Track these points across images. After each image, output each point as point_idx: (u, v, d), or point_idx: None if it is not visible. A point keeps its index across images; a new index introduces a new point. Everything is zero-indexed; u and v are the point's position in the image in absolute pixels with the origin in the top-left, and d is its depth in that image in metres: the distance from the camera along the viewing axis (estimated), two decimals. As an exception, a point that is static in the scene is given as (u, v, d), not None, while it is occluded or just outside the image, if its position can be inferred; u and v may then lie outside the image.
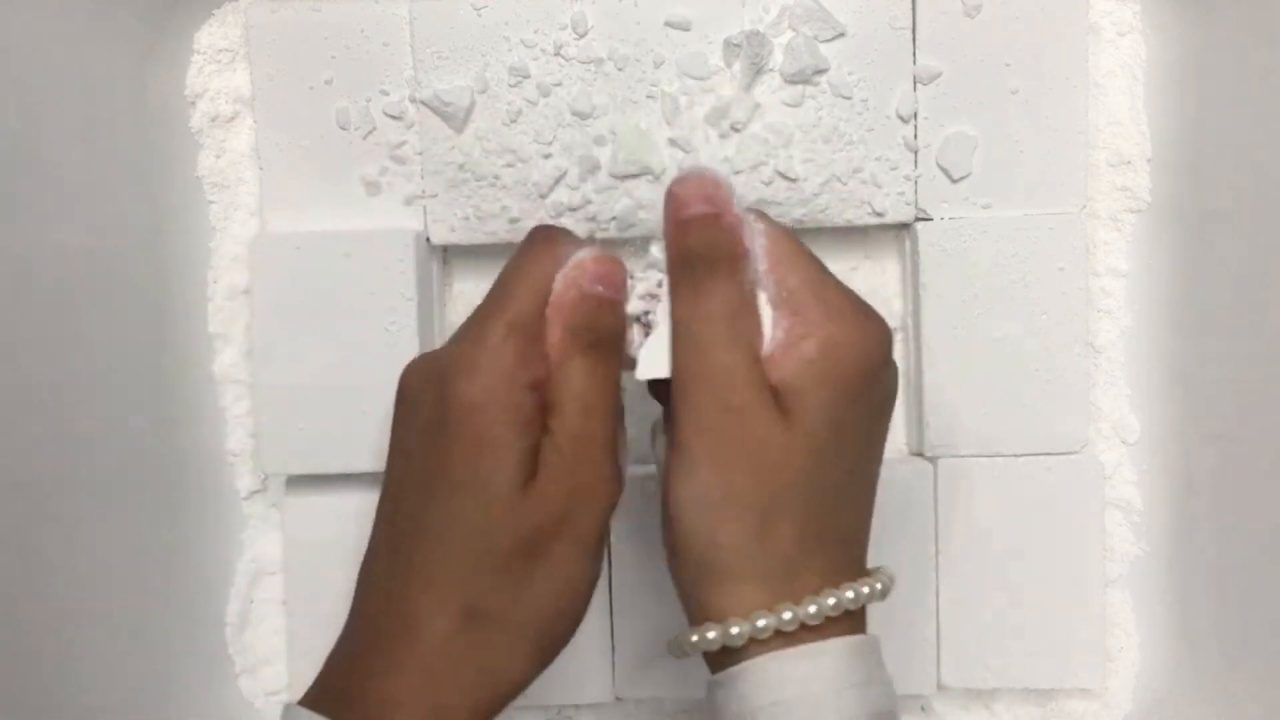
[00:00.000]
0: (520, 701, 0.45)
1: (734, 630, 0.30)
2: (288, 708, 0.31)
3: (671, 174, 0.43)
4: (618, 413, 0.33)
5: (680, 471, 0.31)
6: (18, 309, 0.38)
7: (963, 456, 0.44)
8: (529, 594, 0.31)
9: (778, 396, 0.31)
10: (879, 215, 0.43)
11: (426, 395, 0.32)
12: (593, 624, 0.45)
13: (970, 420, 0.44)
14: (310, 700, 0.31)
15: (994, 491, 0.44)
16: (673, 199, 0.32)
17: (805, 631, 0.30)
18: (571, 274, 0.32)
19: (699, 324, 0.31)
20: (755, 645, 0.30)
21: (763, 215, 0.33)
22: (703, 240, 0.31)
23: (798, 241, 0.33)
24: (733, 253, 0.31)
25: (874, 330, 0.32)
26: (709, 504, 0.30)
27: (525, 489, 0.31)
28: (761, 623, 0.30)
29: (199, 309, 0.46)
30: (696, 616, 0.32)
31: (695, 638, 0.31)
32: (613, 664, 0.45)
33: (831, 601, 0.30)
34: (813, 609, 0.30)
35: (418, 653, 0.30)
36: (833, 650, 0.30)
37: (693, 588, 0.32)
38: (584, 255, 0.32)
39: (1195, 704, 0.44)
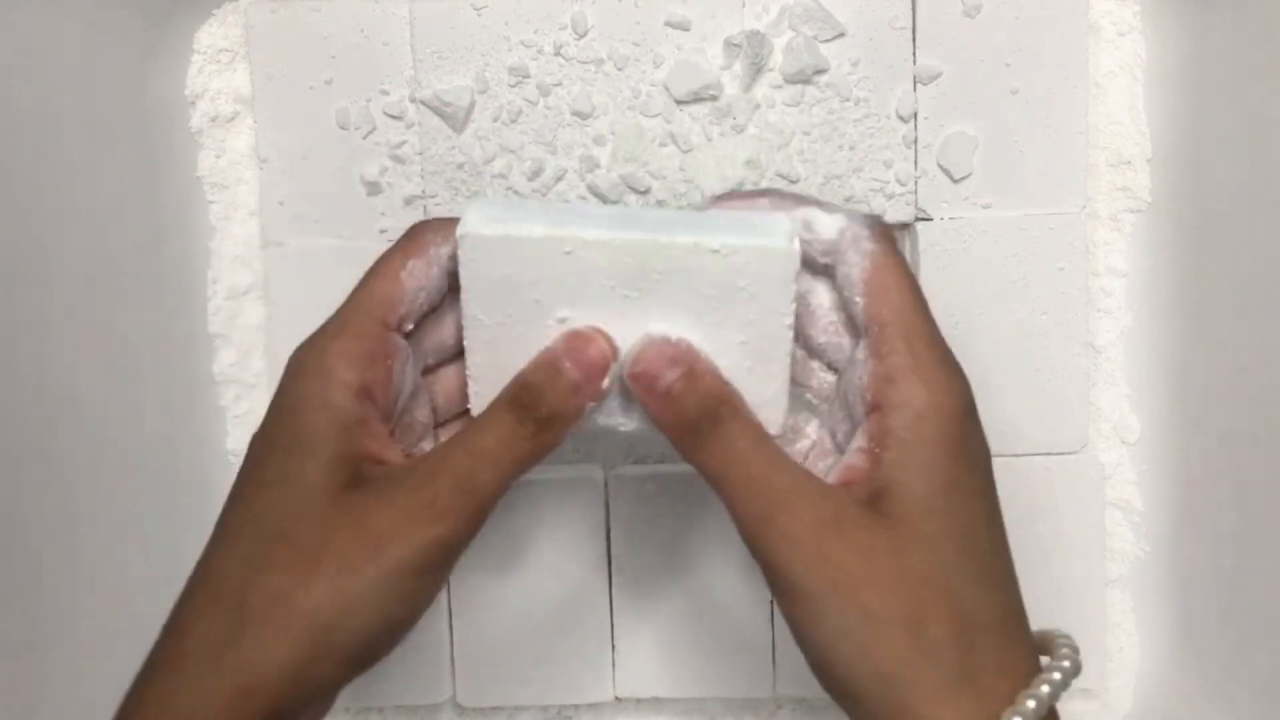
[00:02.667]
0: (520, 701, 0.46)
1: None
2: None
3: (672, 175, 0.43)
4: (514, 474, 0.31)
5: (807, 617, 0.29)
6: (17, 309, 0.38)
7: (963, 456, 0.44)
8: (306, 596, 0.28)
9: (873, 493, 0.29)
10: (879, 215, 0.43)
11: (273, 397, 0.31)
12: (593, 624, 0.45)
13: (970, 420, 0.44)
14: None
15: (994, 491, 0.44)
16: (641, 379, 0.31)
17: None
18: (562, 339, 0.31)
19: (738, 468, 0.30)
20: None
21: (880, 234, 0.31)
22: (693, 402, 0.30)
23: (903, 271, 0.31)
24: (722, 393, 0.31)
25: (958, 386, 0.30)
26: (852, 636, 0.28)
27: (339, 494, 0.29)
28: None
29: (199, 309, 0.46)
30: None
31: None
32: (613, 664, 0.45)
33: (1032, 705, 0.27)
34: None
35: (178, 653, 0.29)
36: None
37: None
38: (585, 328, 0.31)
39: (1195, 704, 0.44)
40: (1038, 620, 0.31)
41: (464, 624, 0.45)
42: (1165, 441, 0.45)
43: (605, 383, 0.31)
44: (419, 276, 0.32)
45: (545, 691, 0.45)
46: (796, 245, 0.30)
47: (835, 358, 0.33)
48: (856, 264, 0.31)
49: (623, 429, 0.32)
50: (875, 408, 0.30)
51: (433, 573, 0.30)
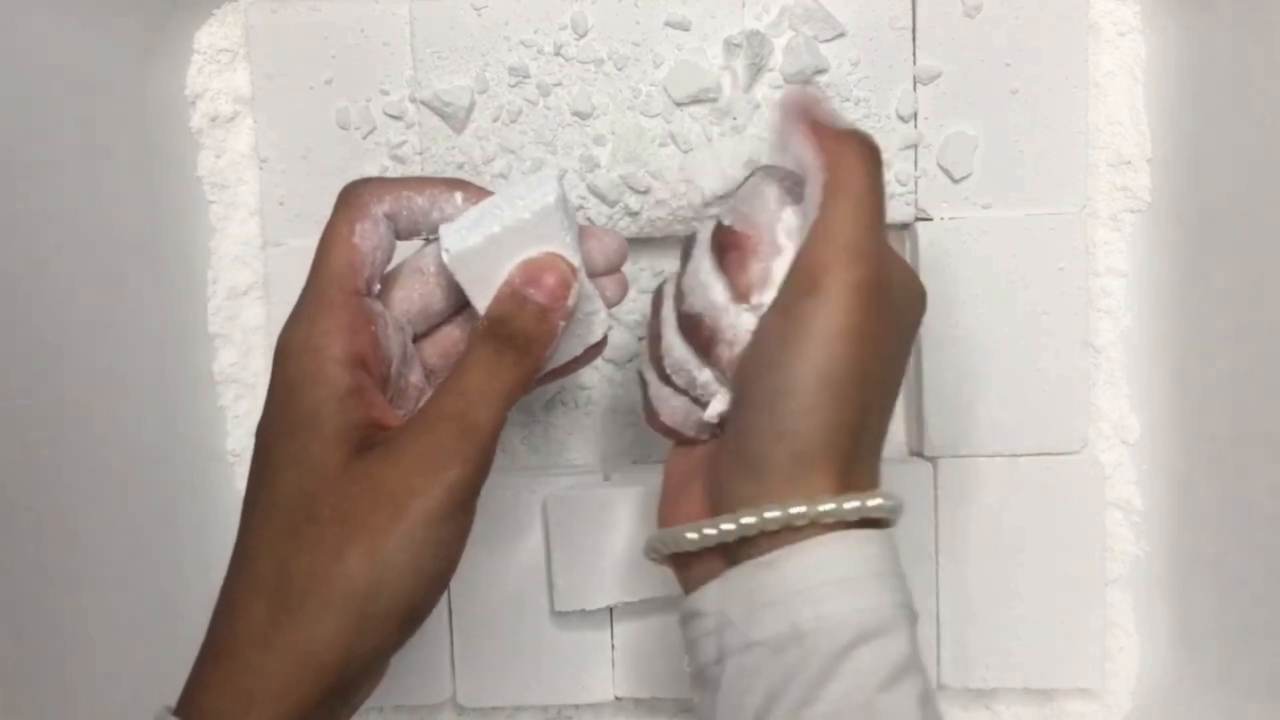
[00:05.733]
0: (520, 701, 0.46)
1: (791, 512, 0.29)
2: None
3: (672, 175, 0.43)
4: (505, 405, 0.32)
5: None
6: (18, 309, 0.38)
7: (963, 456, 0.44)
8: (342, 569, 0.29)
9: None
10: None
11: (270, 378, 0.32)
12: (592, 624, 0.45)
13: (970, 420, 0.44)
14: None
15: (994, 492, 0.44)
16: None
17: (816, 528, 0.29)
18: (519, 269, 0.32)
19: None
20: (789, 533, 0.30)
21: (827, 133, 0.31)
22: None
23: (853, 178, 0.31)
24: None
25: (828, 284, 0.30)
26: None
27: (350, 464, 0.30)
28: (797, 510, 0.29)
29: (199, 309, 0.46)
30: (725, 507, 0.31)
31: (751, 519, 0.30)
32: (613, 664, 0.45)
33: (873, 502, 0.30)
34: (850, 505, 0.29)
35: (231, 637, 0.30)
36: (879, 539, 0.30)
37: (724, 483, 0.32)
38: (542, 254, 0.32)
39: (1195, 704, 0.44)
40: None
41: (464, 624, 0.45)
42: (1165, 441, 0.45)
43: (570, 301, 0.32)
44: (370, 237, 0.32)
45: (545, 691, 0.45)
46: (550, 201, 0.31)
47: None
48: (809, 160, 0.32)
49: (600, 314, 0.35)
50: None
51: (456, 518, 0.31)
